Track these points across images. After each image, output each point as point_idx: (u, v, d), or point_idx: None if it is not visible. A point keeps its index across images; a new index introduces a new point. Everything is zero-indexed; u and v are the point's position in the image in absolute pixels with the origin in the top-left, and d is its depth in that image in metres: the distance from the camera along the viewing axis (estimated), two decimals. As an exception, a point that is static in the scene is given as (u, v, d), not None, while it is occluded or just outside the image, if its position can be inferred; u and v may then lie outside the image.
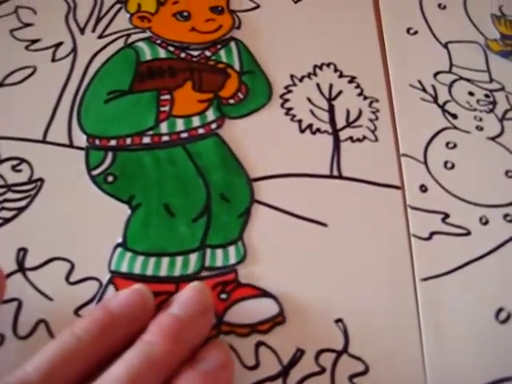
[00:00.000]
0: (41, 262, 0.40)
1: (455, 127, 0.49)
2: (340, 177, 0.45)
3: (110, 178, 0.44)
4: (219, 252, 0.42)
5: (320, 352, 0.39)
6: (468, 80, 0.52)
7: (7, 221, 0.41)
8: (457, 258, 0.43)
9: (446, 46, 0.54)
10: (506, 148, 0.49)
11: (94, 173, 0.44)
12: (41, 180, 0.43)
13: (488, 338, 0.40)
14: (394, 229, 0.44)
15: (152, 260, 0.41)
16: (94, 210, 0.43)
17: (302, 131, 0.47)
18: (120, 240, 0.42)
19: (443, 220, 0.45)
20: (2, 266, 0.39)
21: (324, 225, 0.43)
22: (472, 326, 0.41)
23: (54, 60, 0.49)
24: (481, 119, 0.50)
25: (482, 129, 0.49)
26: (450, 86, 0.51)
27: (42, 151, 0.45)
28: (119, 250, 0.41)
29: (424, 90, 0.51)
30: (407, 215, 0.44)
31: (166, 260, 0.41)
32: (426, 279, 0.42)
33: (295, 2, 0.55)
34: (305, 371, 0.38)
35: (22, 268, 0.40)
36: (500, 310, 0.41)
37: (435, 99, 0.50)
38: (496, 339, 0.40)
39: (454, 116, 0.50)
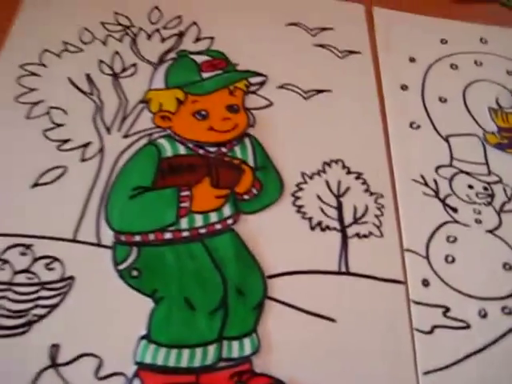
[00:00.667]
0: (72, 358, 0.44)
1: (455, 221, 0.53)
2: (347, 273, 0.49)
3: (135, 273, 0.48)
4: (235, 344, 0.46)
5: None
6: (467, 173, 0.56)
7: (41, 317, 0.45)
8: (458, 351, 0.46)
9: (446, 139, 0.58)
10: (503, 240, 0.52)
11: (120, 267, 0.48)
12: (72, 278, 0.47)
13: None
14: (398, 323, 0.47)
15: (174, 351, 0.44)
16: (120, 304, 0.46)
17: (312, 228, 0.51)
18: (144, 332, 0.45)
19: (444, 314, 0.48)
20: (36, 360, 0.43)
21: (332, 320, 0.47)
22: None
23: (83, 160, 0.53)
24: (480, 212, 0.53)
25: (480, 222, 0.53)
26: (451, 179, 0.55)
27: (73, 250, 0.48)
28: (143, 342, 0.45)
29: (426, 184, 0.54)
30: (410, 309, 0.48)
31: (186, 352, 0.45)
32: (428, 373, 0.45)
33: (305, 99, 0.59)
34: None
35: (54, 363, 0.43)
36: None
37: (437, 193, 0.54)
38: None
39: (455, 210, 0.53)
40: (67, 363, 0.44)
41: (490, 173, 0.56)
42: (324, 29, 0.65)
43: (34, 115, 0.56)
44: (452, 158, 0.57)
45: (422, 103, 0.60)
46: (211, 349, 0.45)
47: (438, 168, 0.56)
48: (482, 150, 0.58)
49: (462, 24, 0.68)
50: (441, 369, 0.45)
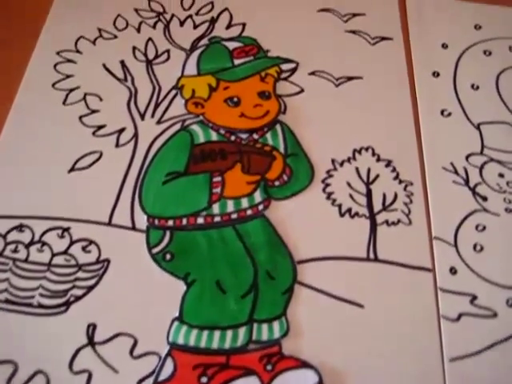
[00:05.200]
0: (108, 337, 0.46)
1: (485, 209, 0.53)
2: (376, 259, 0.50)
3: (168, 256, 0.49)
4: (265, 326, 0.47)
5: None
6: (499, 162, 0.55)
7: (78, 298, 0.47)
8: (484, 340, 0.47)
9: (478, 127, 0.58)
10: (533, 230, 0.52)
11: (154, 251, 0.49)
12: (107, 260, 0.49)
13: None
14: (425, 310, 0.48)
15: (205, 333, 0.46)
16: (153, 286, 0.48)
17: (342, 215, 0.52)
18: (177, 314, 0.47)
19: (471, 302, 0.48)
20: (74, 338, 0.45)
21: (360, 306, 0.48)
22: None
23: (117, 145, 0.55)
24: (510, 201, 0.53)
25: (511, 211, 0.53)
26: (481, 167, 0.55)
27: (108, 233, 0.50)
28: (176, 323, 0.47)
29: (456, 172, 0.54)
30: (437, 296, 0.48)
31: (217, 333, 0.46)
32: (454, 359, 0.46)
33: (336, 86, 0.59)
34: None
35: (91, 342, 0.45)
36: (525, 392, 0.45)
37: (466, 182, 0.54)
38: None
39: (485, 198, 0.53)
40: (103, 342, 0.45)
41: (522, 161, 0.56)
42: (356, 14, 0.65)
43: (70, 101, 0.57)
44: (483, 146, 0.56)
45: (453, 90, 0.60)
46: (241, 331, 0.46)
47: (468, 156, 0.56)
48: (514, 137, 0.57)
49: (497, 8, 0.67)
50: (467, 356, 0.46)
